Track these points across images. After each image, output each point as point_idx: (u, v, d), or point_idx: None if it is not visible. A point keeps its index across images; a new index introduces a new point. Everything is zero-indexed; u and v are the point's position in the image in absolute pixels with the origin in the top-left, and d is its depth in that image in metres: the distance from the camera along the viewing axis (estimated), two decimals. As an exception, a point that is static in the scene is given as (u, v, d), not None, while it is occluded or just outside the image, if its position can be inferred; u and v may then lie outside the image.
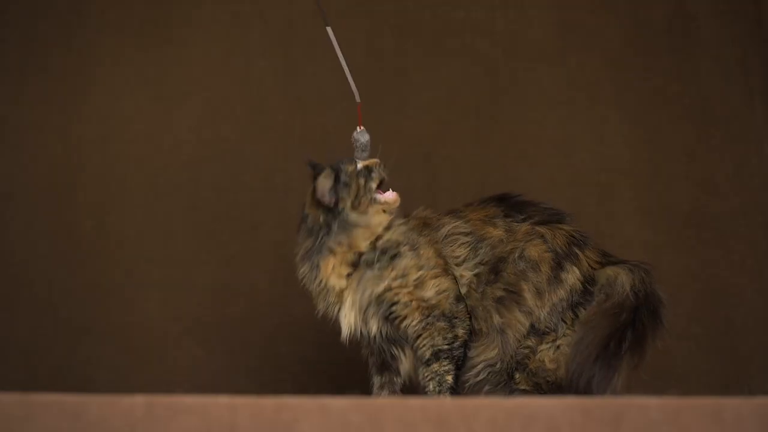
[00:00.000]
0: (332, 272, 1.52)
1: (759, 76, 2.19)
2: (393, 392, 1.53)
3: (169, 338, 2.09)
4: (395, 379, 1.54)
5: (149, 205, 2.16)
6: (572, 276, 1.48)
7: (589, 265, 1.49)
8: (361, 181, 1.52)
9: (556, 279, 1.47)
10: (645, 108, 2.19)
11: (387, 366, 1.54)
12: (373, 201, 1.51)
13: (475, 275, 1.48)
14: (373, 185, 1.52)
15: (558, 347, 1.45)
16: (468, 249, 1.49)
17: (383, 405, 1.00)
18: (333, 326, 1.59)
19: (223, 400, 1.00)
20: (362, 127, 1.56)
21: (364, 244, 1.50)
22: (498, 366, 1.45)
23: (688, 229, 2.11)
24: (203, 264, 2.13)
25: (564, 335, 1.45)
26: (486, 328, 1.46)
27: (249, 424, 0.98)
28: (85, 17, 2.26)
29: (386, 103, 2.18)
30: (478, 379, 1.46)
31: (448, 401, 1.00)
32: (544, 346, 1.45)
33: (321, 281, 1.53)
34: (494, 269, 1.47)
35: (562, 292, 1.47)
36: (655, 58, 2.22)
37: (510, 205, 1.54)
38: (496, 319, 1.45)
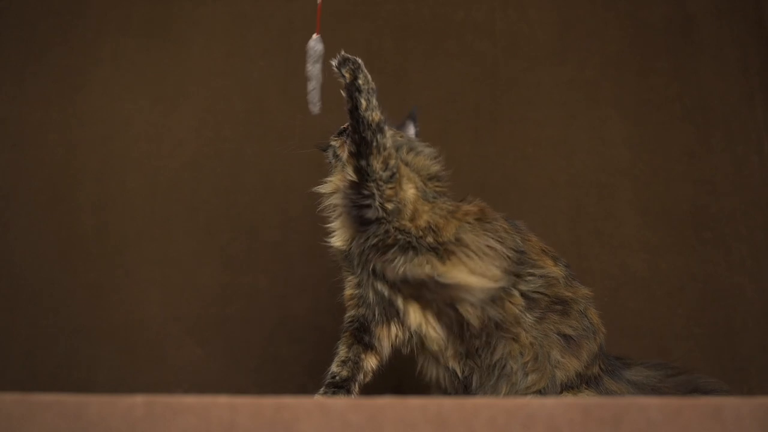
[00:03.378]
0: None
1: (759, 76, 2.19)
2: (350, 384, 1.48)
3: (169, 338, 2.09)
4: (362, 358, 1.50)
5: (149, 205, 2.16)
6: (595, 369, 1.50)
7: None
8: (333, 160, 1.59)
9: (595, 359, 1.49)
10: (645, 108, 2.19)
11: (363, 331, 1.51)
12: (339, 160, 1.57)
13: (523, 296, 1.45)
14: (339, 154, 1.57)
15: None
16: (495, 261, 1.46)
17: (383, 405, 1.00)
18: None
19: (223, 400, 1.00)
20: (318, 35, 1.52)
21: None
22: None
23: (688, 229, 2.11)
24: (203, 264, 2.13)
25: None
26: (540, 355, 1.44)
27: (249, 424, 0.98)
28: (85, 17, 2.26)
29: (386, 103, 2.18)
30: None
31: (447, 401, 1.00)
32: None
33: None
34: (560, 302, 1.46)
35: (595, 370, 1.49)
36: (655, 58, 2.22)
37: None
38: (555, 355, 1.44)
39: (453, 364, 1.48)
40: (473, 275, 1.42)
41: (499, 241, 1.46)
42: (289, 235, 2.14)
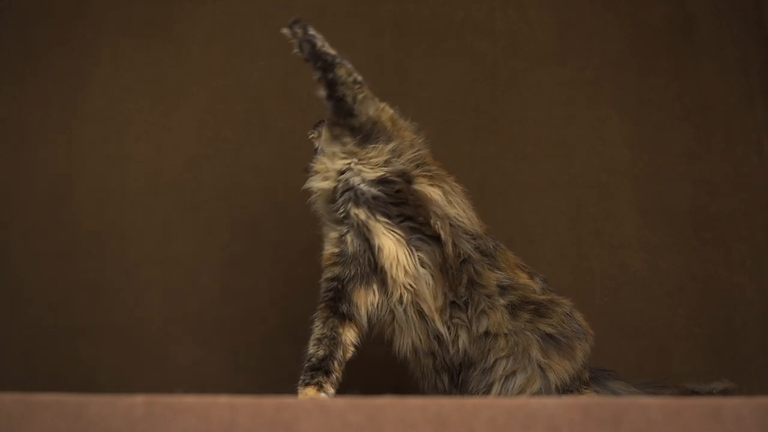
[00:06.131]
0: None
1: (759, 76, 2.19)
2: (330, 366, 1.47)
3: (169, 338, 2.09)
4: (340, 332, 1.49)
5: (149, 205, 2.16)
6: (586, 375, 1.50)
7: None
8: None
9: (587, 362, 1.49)
10: (645, 108, 2.19)
11: (338, 300, 1.51)
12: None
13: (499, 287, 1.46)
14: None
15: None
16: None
17: (383, 405, 1.00)
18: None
19: (223, 400, 1.00)
20: None
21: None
22: None
23: (688, 229, 2.11)
24: (203, 264, 2.13)
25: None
26: (517, 353, 1.43)
27: (249, 424, 0.98)
28: (85, 17, 2.26)
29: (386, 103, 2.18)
30: None
31: (447, 401, 1.00)
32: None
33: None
34: (534, 303, 1.46)
35: (586, 376, 1.50)
36: (655, 58, 2.22)
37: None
38: (536, 354, 1.43)
39: (439, 325, 1.46)
40: (446, 200, 1.48)
41: (476, 216, 1.52)
42: (289, 235, 2.14)
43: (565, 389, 1.43)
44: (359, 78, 1.55)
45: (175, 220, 2.16)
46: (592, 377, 1.51)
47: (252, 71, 2.24)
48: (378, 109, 1.54)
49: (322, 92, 1.53)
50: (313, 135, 1.68)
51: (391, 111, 1.58)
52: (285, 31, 1.55)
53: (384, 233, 1.47)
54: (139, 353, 2.07)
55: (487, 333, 1.44)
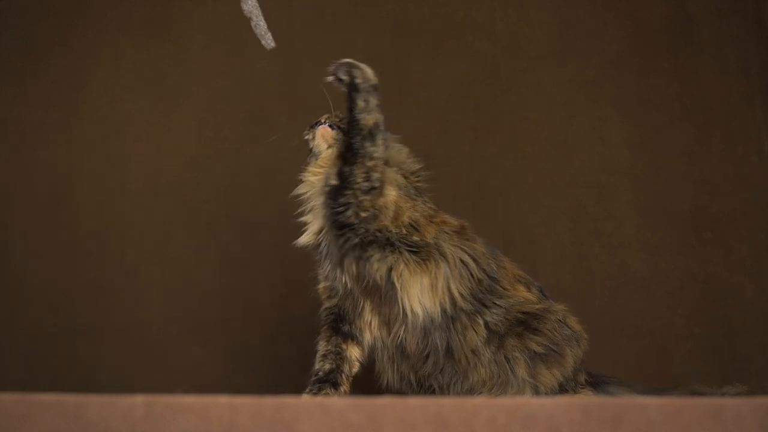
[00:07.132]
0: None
1: (759, 76, 2.19)
2: (336, 377, 1.45)
3: (169, 338, 2.09)
4: (344, 348, 1.48)
5: (149, 205, 2.17)
6: (581, 378, 1.49)
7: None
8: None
9: (581, 366, 1.48)
10: (645, 108, 2.19)
11: (340, 322, 1.49)
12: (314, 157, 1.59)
13: (485, 324, 1.43)
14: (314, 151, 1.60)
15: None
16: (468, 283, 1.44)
17: (383, 405, 1.00)
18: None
19: (223, 400, 0.99)
20: None
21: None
22: None
23: (688, 229, 2.11)
24: (203, 264, 2.13)
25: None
26: (500, 382, 1.42)
27: (249, 424, 0.98)
28: (85, 17, 2.26)
29: (386, 104, 2.18)
30: None
31: (447, 401, 1.00)
32: None
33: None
34: (522, 323, 1.44)
35: (582, 378, 1.49)
36: (655, 58, 2.22)
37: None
38: (523, 372, 1.41)
39: (409, 375, 1.46)
40: (424, 295, 1.40)
41: (474, 260, 1.44)
42: (289, 235, 2.14)
43: (555, 394, 1.43)
44: (377, 179, 1.39)
45: (175, 220, 2.16)
46: (592, 382, 1.51)
47: (252, 71, 2.24)
48: (379, 220, 1.41)
49: (333, 171, 1.44)
50: (308, 136, 1.66)
51: (392, 197, 1.43)
52: (330, 78, 1.44)
53: (363, 297, 1.46)
54: (139, 353, 2.07)
55: (471, 389, 1.43)
